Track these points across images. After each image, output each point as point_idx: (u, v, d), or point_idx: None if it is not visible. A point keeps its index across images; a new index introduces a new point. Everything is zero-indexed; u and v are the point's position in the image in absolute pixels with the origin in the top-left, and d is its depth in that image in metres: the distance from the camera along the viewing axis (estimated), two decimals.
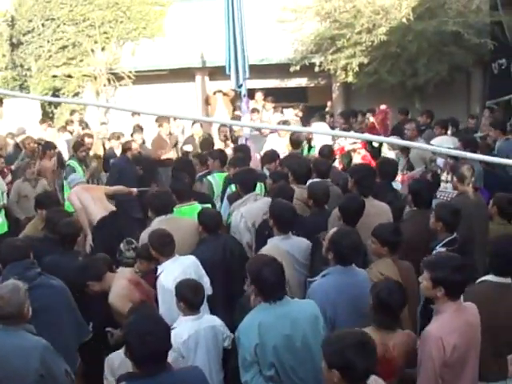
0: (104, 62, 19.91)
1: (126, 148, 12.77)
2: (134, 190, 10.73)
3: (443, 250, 6.47)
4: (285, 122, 14.48)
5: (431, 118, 13.63)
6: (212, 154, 10.30)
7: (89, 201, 9.60)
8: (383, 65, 16.23)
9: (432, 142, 10.87)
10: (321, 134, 12.16)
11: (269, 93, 17.71)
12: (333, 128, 14.29)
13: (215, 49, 17.06)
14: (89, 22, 20.25)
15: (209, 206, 8.34)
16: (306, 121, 15.77)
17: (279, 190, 7.60)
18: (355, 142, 11.46)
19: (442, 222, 6.68)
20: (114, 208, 9.72)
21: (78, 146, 12.44)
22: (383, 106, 13.30)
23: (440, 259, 4.95)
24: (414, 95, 16.50)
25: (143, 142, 14.47)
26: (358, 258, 6.08)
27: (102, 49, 20.18)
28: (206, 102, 19.39)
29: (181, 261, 6.58)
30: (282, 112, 17.32)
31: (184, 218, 7.69)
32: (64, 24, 20.44)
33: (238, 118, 14.94)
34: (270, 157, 9.87)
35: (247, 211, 7.59)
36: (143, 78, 19.44)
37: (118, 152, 13.57)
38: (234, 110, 17.50)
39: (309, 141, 12.56)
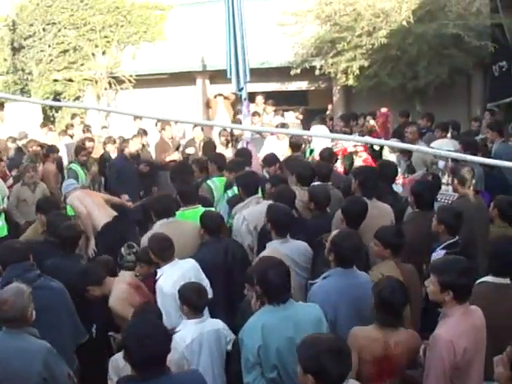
0: (105, 65, 19.96)
1: (123, 147, 12.80)
2: (129, 203, 10.82)
3: (443, 251, 6.50)
4: (283, 125, 14.50)
5: (432, 120, 13.62)
6: (211, 157, 10.34)
7: (92, 206, 9.65)
8: (383, 68, 16.22)
9: (432, 144, 10.87)
10: (320, 137, 12.17)
11: (269, 96, 17.74)
12: (332, 131, 14.28)
13: (216, 52, 17.07)
14: (90, 26, 20.31)
15: (212, 209, 8.34)
16: (306, 124, 15.80)
17: (280, 193, 7.60)
18: (357, 145, 11.47)
19: (444, 225, 6.69)
20: (115, 213, 9.75)
21: (80, 149, 12.46)
22: (384, 109, 13.30)
23: (447, 263, 4.94)
24: (414, 98, 16.47)
25: (145, 146, 14.44)
26: (359, 261, 6.07)
27: (103, 53, 20.23)
28: (207, 105, 19.41)
29: (180, 265, 6.59)
30: (282, 115, 17.34)
31: (186, 221, 7.71)
32: (65, 28, 20.51)
33: (239, 121, 14.95)
34: (270, 160, 9.87)
35: (249, 214, 7.60)
36: (144, 81, 19.48)
37: (114, 156, 13.60)
38: (235, 113, 17.51)
39: (308, 143, 12.56)
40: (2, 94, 20.12)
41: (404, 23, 15.70)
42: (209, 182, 9.46)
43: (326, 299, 5.50)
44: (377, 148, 12.00)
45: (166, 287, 6.35)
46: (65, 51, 20.61)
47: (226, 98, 18.30)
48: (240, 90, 12.63)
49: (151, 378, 4.19)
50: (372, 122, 13.29)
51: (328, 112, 18.10)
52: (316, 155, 11.47)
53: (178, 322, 6.17)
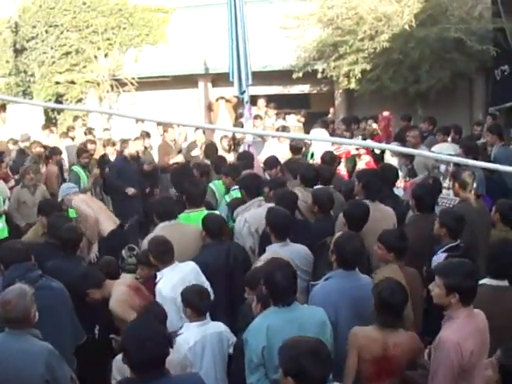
0: (107, 68, 19.99)
1: (123, 148, 12.81)
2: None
3: (444, 254, 6.52)
4: (284, 129, 14.50)
5: (434, 124, 13.62)
6: (212, 160, 10.39)
7: (99, 211, 9.71)
8: (385, 71, 16.22)
9: (432, 149, 10.87)
10: (320, 141, 12.20)
11: (271, 99, 17.73)
12: (334, 134, 14.28)
13: (218, 55, 17.07)
14: (92, 28, 20.33)
15: (216, 212, 8.35)
16: (308, 127, 15.81)
17: (281, 196, 7.62)
18: (359, 148, 11.50)
19: (446, 228, 6.72)
20: (118, 220, 9.79)
21: (81, 152, 12.47)
22: (386, 113, 13.31)
23: (452, 265, 4.94)
24: (416, 102, 16.46)
25: (147, 148, 14.44)
26: (361, 263, 6.11)
27: (105, 55, 20.25)
28: (209, 108, 19.41)
29: (180, 268, 6.59)
30: (284, 118, 17.35)
31: (188, 223, 7.71)
32: (67, 30, 20.52)
33: (241, 125, 14.95)
34: (271, 163, 9.88)
35: (251, 216, 7.63)
36: (146, 84, 19.49)
37: (113, 159, 13.62)
38: (237, 117, 17.51)
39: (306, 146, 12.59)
40: (4, 96, 20.14)
41: (406, 27, 15.71)
42: (211, 184, 9.48)
43: (326, 300, 5.53)
44: (378, 151, 12.00)
45: (166, 290, 6.36)
46: (67, 53, 20.63)
47: (227, 101, 18.31)
48: (242, 93, 12.63)
49: (151, 381, 4.19)
50: (374, 126, 13.29)
51: (330, 115, 18.10)
52: (316, 159, 11.50)
53: (178, 324, 6.19)
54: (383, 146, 11.02)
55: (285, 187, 8.24)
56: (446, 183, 9.33)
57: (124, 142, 13.15)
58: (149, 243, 6.83)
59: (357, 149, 11.59)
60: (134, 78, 19.49)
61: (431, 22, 16.03)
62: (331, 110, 18.60)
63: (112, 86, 19.92)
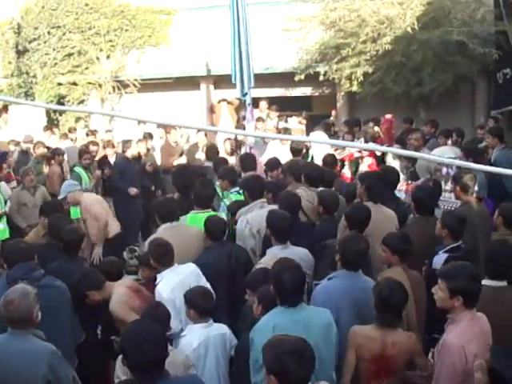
0: (109, 69, 20.00)
1: (125, 149, 12.81)
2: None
3: (445, 255, 6.53)
4: (286, 130, 14.49)
5: (436, 127, 13.61)
6: (213, 163, 10.45)
7: (108, 213, 9.76)
8: (388, 74, 16.21)
9: (433, 152, 10.86)
10: (319, 144, 12.22)
11: (273, 101, 17.72)
12: (336, 137, 14.29)
13: (220, 57, 17.09)
14: (94, 30, 20.34)
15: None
16: (310, 129, 15.81)
17: (285, 197, 7.62)
18: (361, 150, 11.51)
19: (448, 229, 6.74)
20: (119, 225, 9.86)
21: (83, 153, 12.47)
22: (388, 116, 13.28)
23: (455, 268, 4.94)
24: (418, 105, 16.45)
25: (150, 150, 14.43)
26: (365, 265, 6.13)
27: (108, 57, 20.26)
28: (211, 110, 19.43)
29: (180, 270, 6.58)
30: (286, 121, 17.34)
31: (190, 225, 7.71)
32: (70, 32, 20.53)
33: (242, 127, 14.95)
34: (273, 165, 9.88)
35: (252, 218, 7.62)
36: (148, 86, 19.50)
37: (112, 160, 13.62)
38: (239, 119, 17.52)
39: (307, 149, 12.60)
40: (7, 97, 20.13)
41: (408, 30, 15.71)
42: None
43: (328, 300, 5.55)
44: (378, 154, 12.00)
45: (165, 292, 6.35)
46: (69, 55, 20.64)
47: (229, 103, 18.33)
48: (244, 95, 12.63)
49: (149, 382, 4.21)
50: (376, 129, 13.29)
51: (332, 118, 18.10)
52: (315, 161, 11.51)
53: (176, 327, 6.20)
54: (384, 148, 11.02)
55: (287, 189, 8.23)
56: (448, 186, 9.32)
57: (126, 142, 13.14)
58: (148, 245, 6.85)
59: (359, 151, 11.60)
60: (136, 80, 19.50)
61: (434, 25, 16.03)
62: (333, 112, 18.59)
63: (114, 88, 19.93)
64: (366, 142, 12.78)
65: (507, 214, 7.33)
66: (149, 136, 14.82)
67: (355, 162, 11.80)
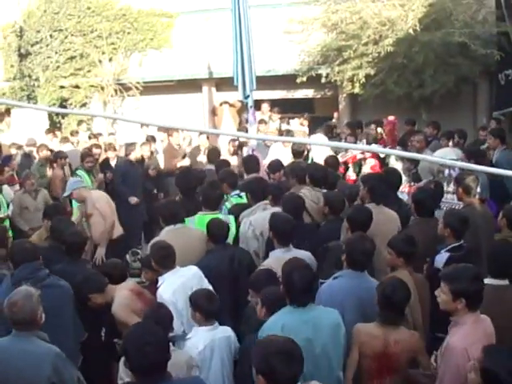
0: (111, 72, 20.01)
1: (129, 151, 12.82)
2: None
3: (447, 254, 6.56)
4: (288, 133, 14.50)
5: (438, 129, 13.60)
6: (215, 165, 10.47)
7: (115, 214, 9.81)
8: (390, 76, 16.20)
9: (435, 154, 10.86)
10: (319, 146, 12.24)
11: (275, 104, 17.74)
12: (338, 139, 14.29)
13: (222, 60, 17.13)
14: (96, 33, 20.36)
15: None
16: (312, 131, 15.83)
17: (288, 199, 7.64)
18: (364, 152, 11.53)
19: (450, 229, 6.76)
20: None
21: (85, 156, 12.48)
22: (391, 117, 13.28)
23: (458, 271, 4.94)
24: (420, 106, 16.44)
25: (153, 153, 14.43)
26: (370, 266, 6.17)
27: (110, 59, 20.28)
28: (213, 113, 19.43)
29: (181, 273, 6.59)
30: (288, 123, 17.35)
31: (193, 228, 7.72)
32: (72, 35, 20.55)
33: (245, 129, 14.97)
34: (275, 167, 9.88)
35: (255, 220, 7.64)
36: (150, 88, 19.52)
37: (113, 163, 13.63)
38: (241, 122, 17.54)
39: (307, 152, 12.61)
40: (9, 100, 20.17)
41: (410, 31, 15.69)
42: None
43: (333, 298, 5.59)
44: (382, 155, 12.01)
45: (166, 295, 6.36)
46: (71, 58, 20.67)
47: (231, 105, 18.34)
48: (246, 97, 12.65)
49: None
50: (380, 130, 13.29)
51: (334, 120, 18.10)
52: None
53: (178, 329, 6.23)
54: (387, 150, 11.01)
55: (291, 191, 8.24)
56: (451, 188, 9.31)
57: (130, 145, 13.15)
58: (150, 247, 6.88)
59: (362, 153, 11.61)
60: (138, 83, 19.50)
61: (435, 27, 16.01)
62: (335, 114, 18.60)
63: (116, 91, 19.94)
64: (368, 143, 12.80)
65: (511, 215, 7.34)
66: (152, 139, 14.83)
67: (358, 164, 11.80)
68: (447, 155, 10.46)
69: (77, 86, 20.42)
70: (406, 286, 5.33)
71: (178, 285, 6.42)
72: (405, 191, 10.13)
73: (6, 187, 11.92)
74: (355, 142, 12.98)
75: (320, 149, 12.12)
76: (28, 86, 21.33)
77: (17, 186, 12.47)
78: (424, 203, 7.64)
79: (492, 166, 9.78)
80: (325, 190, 8.43)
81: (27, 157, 14.93)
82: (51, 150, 14.10)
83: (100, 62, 20.17)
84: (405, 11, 16.18)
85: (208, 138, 14.60)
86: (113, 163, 13.66)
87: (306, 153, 12.17)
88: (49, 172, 13.16)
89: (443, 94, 15.96)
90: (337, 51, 16.93)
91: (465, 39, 15.28)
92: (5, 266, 7.06)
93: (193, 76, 19.36)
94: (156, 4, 20.29)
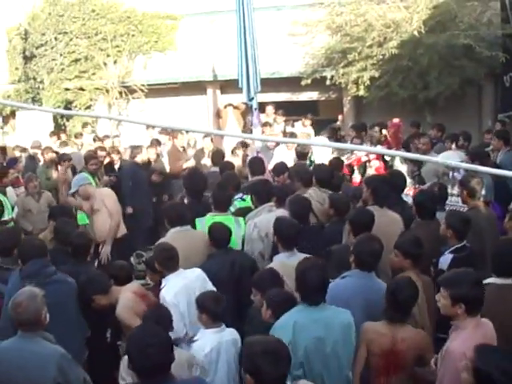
0: (116, 75, 20.05)
1: (135, 154, 12.81)
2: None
3: (451, 255, 6.58)
4: (291, 135, 14.48)
5: (442, 131, 13.59)
6: (219, 166, 10.47)
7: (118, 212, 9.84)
8: (394, 78, 16.21)
9: (438, 157, 10.84)
10: (321, 148, 12.23)
11: (280, 106, 17.71)
12: (343, 141, 14.28)
13: (226, 62, 17.13)
14: (101, 35, 20.39)
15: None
16: (317, 134, 15.82)
17: (295, 201, 7.65)
18: (368, 154, 11.52)
19: (452, 230, 6.76)
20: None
21: (89, 158, 12.44)
22: (396, 120, 13.26)
23: (457, 276, 4.93)
24: (425, 109, 16.44)
25: (159, 156, 14.41)
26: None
27: (114, 62, 20.30)
28: (217, 115, 19.43)
29: (184, 275, 6.58)
30: (293, 125, 17.33)
31: (198, 230, 7.71)
32: (76, 37, 20.59)
33: (249, 132, 14.95)
34: (279, 169, 9.87)
35: (260, 221, 7.65)
36: (155, 91, 19.54)
37: (116, 166, 13.63)
38: (245, 124, 17.52)
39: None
40: (14, 102, 20.21)
41: (415, 34, 15.72)
42: None
43: (339, 296, 5.58)
44: (388, 158, 12.00)
45: (168, 297, 6.35)
46: (76, 60, 20.70)
47: (236, 107, 18.32)
48: (250, 99, 12.64)
49: None
50: (384, 132, 13.27)
51: (338, 122, 18.08)
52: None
53: (181, 331, 6.24)
54: (391, 152, 11.01)
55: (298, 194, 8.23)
56: (455, 190, 9.29)
57: (136, 148, 13.12)
58: (154, 249, 6.90)
59: (366, 155, 11.60)
60: (143, 85, 19.54)
61: (440, 29, 16.02)
62: (340, 116, 18.57)
63: (121, 93, 19.97)
64: (372, 146, 12.77)
65: None
66: (157, 142, 14.82)
67: (363, 166, 11.79)
68: (450, 158, 10.43)
69: (81, 89, 20.45)
70: (414, 285, 5.37)
71: (181, 286, 6.42)
72: (410, 194, 10.10)
73: (9, 190, 11.92)
74: (361, 144, 12.95)
75: (322, 150, 12.11)
76: (33, 89, 21.37)
77: (22, 188, 12.44)
78: (424, 205, 7.63)
79: (496, 167, 9.76)
80: (330, 192, 8.42)
81: (32, 159, 14.95)
82: (56, 152, 14.10)
83: (105, 64, 20.20)
84: (409, 13, 16.20)
85: (212, 140, 14.58)
86: (116, 166, 13.65)
87: (309, 155, 12.15)
88: (54, 174, 13.15)
89: (448, 96, 15.96)
90: (341, 53, 16.96)
91: (470, 41, 15.29)
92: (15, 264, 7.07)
93: (197, 78, 19.38)
94: (160, 6, 20.31)
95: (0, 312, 6.34)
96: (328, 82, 17.07)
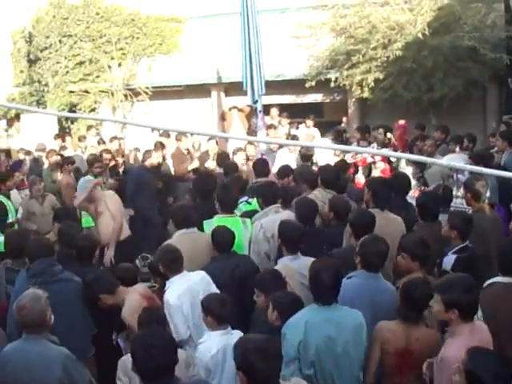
0: (120, 77, 20.10)
1: (146, 158, 12.79)
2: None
3: (454, 256, 6.57)
4: (293, 138, 14.48)
5: (446, 133, 13.54)
6: (223, 168, 10.49)
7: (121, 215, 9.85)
8: (399, 80, 16.20)
9: (443, 159, 10.83)
10: (324, 150, 12.22)
11: (284, 108, 17.73)
12: (348, 143, 14.28)
13: (231, 65, 17.14)
14: (105, 38, 20.47)
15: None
16: (322, 136, 15.83)
17: (302, 203, 7.65)
18: (373, 156, 11.51)
19: (457, 230, 6.75)
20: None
21: (94, 161, 12.42)
22: (402, 121, 13.24)
23: (450, 281, 4.93)
24: (429, 110, 16.43)
25: (165, 159, 14.41)
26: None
27: (119, 65, 20.36)
28: (222, 117, 19.43)
29: (188, 277, 6.57)
30: (297, 128, 17.34)
31: (204, 233, 7.71)
32: (81, 40, 20.67)
33: (254, 134, 14.95)
34: (283, 172, 9.87)
35: (266, 222, 7.68)
36: (159, 93, 19.57)
37: (121, 169, 13.63)
38: (250, 126, 17.54)
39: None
40: (19, 105, 20.25)
41: (419, 36, 15.70)
42: None
43: (343, 296, 5.55)
44: (393, 159, 11.99)
45: (172, 299, 6.36)
46: (81, 63, 20.77)
47: (240, 110, 18.32)
48: (255, 102, 12.65)
49: None
50: (389, 135, 13.26)
51: (343, 124, 18.09)
52: None
53: (185, 333, 6.26)
54: (396, 154, 11.01)
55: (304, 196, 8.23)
56: (460, 192, 9.28)
57: (147, 152, 13.09)
58: (158, 251, 6.88)
59: (372, 157, 11.59)
60: (147, 88, 19.57)
61: (444, 31, 16.00)
62: (344, 119, 18.60)
63: (126, 96, 20.01)
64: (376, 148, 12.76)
65: None
66: (160, 145, 14.81)
67: (368, 168, 11.78)
68: (454, 161, 10.41)
69: (86, 91, 20.50)
70: (428, 285, 5.37)
71: (185, 289, 6.41)
72: (415, 196, 10.09)
73: (13, 192, 11.95)
74: (367, 147, 12.94)
75: (324, 152, 12.11)
76: (37, 92, 21.43)
77: (27, 191, 12.48)
78: (427, 207, 7.60)
79: (500, 168, 9.75)
80: (335, 193, 8.42)
81: (36, 162, 14.97)
82: (61, 155, 14.13)
83: (109, 67, 20.26)
84: (413, 15, 16.19)
85: (217, 143, 14.57)
86: (121, 169, 13.65)
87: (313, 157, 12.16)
88: (59, 177, 13.17)
89: (452, 98, 15.95)
90: (345, 55, 16.95)
91: (474, 43, 15.28)
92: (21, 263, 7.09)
93: (201, 81, 19.42)
94: (165, 9, 20.35)
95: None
96: (332, 84, 17.06)
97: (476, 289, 4.84)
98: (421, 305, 5.29)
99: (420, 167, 10.88)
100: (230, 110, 18.72)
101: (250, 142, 12.91)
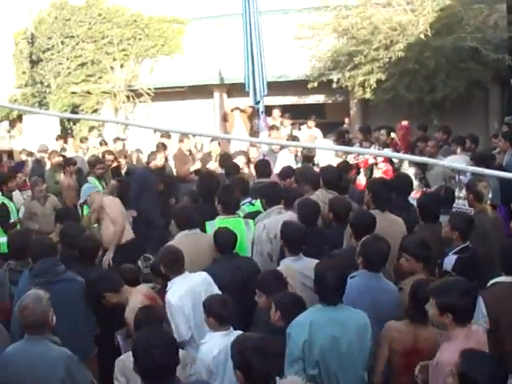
0: (123, 78, 20.09)
1: (150, 160, 12.78)
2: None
3: (455, 256, 6.59)
4: (294, 139, 14.49)
5: (448, 134, 13.52)
6: (226, 169, 10.50)
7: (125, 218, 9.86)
8: (401, 81, 16.19)
9: (445, 160, 10.82)
10: (325, 151, 12.22)
11: (286, 109, 17.72)
12: (350, 144, 14.27)
13: (233, 66, 17.15)
14: (107, 39, 20.45)
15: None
16: (324, 137, 15.82)
17: (304, 204, 7.66)
18: (376, 157, 11.51)
19: (458, 231, 6.77)
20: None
21: (96, 162, 12.41)
22: (405, 122, 13.23)
23: (445, 284, 4.91)
24: (431, 111, 16.42)
25: (167, 160, 14.41)
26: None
27: (121, 66, 20.36)
28: (224, 118, 19.44)
29: (190, 278, 6.58)
30: (299, 129, 17.33)
31: (207, 234, 7.71)
32: (83, 41, 20.67)
33: (256, 135, 14.94)
34: (285, 173, 9.87)
35: (269, 223, 7.69)
36: (162, 94, 19.58)
37: (123, 171, 13.62)
38: (252, 127, 17.52)
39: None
40: (21, 106, 20.26)
41: (421, 36, 15.70)
42: None
43: (346, 296, 5.54)
44: (396, 160, 11.98)
45: (173, 299, 6.37)
46: (83, 64, 20.77)
47: (242, 111, 18.32)
48: (257, 103, 12.66)
49: None
50: (393, 135, 13.25)
51: (345, 125, 18.08)
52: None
53: (186, 334, 6.27)
54: (398, 155, 11.00)
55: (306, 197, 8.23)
56: (462, 193, 9.27)
57: (152, 154, 13.08)
58: (159, 252, 6.90)
59: (374, 158, 11.58)
60: (149, 89, 19.57)
61: (446, 32, 16.00)
62: (346, 120, 18.57)
63: (128, 97, 20.01)
64: (378, 149, 12.75)
65: None
66: (162, 146, 14.80)
67: (370, 169, 11.77)
68: (456, 162, 10.41)
69: (88, 93, 20.51)
70: None
71: (186, 289, 6.42)
72: (417, 197, 10.09)
73: (16, 193, 11.97)
74: (370, 147, 12.94)
75: (325, 153, 12.11)
76: (39, 93, 21.41)
77: (29, 192, 12.51)
78: (428, 208, 7.61)
79: (502, 169, 9.75)
80: (337, 194, 8.41)
81: (38, 163, 14.98)
82: (63, 156, 14.14)
83: (111, 68, 20.26)
84: (416, 16, 16.19)
85: (220, 144, 14.57)
86: (123, 170, 13.65)
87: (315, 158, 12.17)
88: (62, 178, 13.19)
89: (454, 99, 15.93)
90: (348, 56, 16.94)
91: (476, 44, 15.26)
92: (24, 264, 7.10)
93: (204, 82, 19.41)
94: (167, 10, 20.34)
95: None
96: (334, 85, 17.05)
97: (472, 293, 4.80)
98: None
99: (422, 168, 10.87)
100: (232, 110, 18.74)
101: (252, 145, 12.90)
